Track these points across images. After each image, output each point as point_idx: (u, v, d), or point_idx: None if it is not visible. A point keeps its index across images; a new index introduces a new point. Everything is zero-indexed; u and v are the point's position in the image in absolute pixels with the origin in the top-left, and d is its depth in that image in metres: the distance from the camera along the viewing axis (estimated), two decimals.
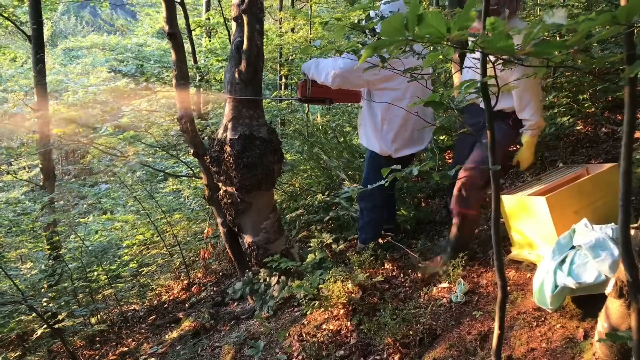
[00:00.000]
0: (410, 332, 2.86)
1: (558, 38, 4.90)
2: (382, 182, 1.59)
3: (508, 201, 3.21)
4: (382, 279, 3.49)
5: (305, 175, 5.74)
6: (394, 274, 3.67)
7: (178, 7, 6.26)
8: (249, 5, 3.54)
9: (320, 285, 3.41)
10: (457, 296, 3.07)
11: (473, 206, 3.39)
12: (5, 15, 6.94)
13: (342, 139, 5.64)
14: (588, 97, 4.96)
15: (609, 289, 1.92)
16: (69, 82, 11.80)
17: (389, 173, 1.53)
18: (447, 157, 5.68)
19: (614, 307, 1.90)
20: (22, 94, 11.29)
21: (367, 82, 3.66)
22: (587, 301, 2.51)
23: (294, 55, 8.86)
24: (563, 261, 2.56)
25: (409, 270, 3.64)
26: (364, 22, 3.40)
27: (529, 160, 3.35)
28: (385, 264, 3.79)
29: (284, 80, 9.36)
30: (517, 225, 3.22)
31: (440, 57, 1.36)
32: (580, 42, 0.96)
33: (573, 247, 2.60)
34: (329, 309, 3.34)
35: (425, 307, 3.07)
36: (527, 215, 3.11)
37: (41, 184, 6.37)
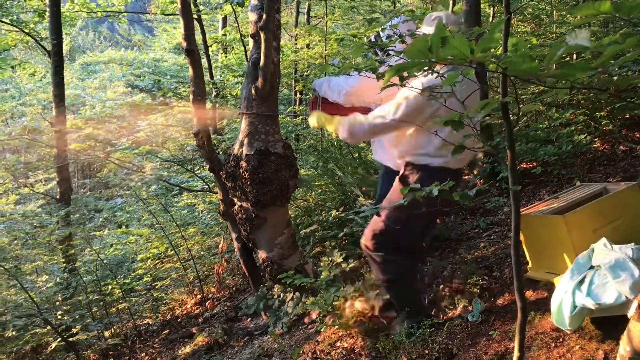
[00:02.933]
0: (426, 352, 2.83)
1: (575, 57, 4.89)
2: (401, 201, 1.59)
3: (525, 220, 3.18)
4: None
5: (319, 191, 5.74)
6: None
7: (195, 23, 6.34)
8: (267, 22, 3.58)
9: (335, 303, 3.39)
10: (474, 315, 3.03)
11: (396, 272, 3.10)
12: (26, 31, 7.06)
13: (356, 155, 5.64)
14: (605, 114, 4.93)
15: (631, 312, 1.89)
16: (86, 97, 11.95)
17: (408, 192, 1.52)
18: None
19: (636, 331, 1.86)
20: (41, 108, 11.45)
21: (381, 98, 3.66)
22: (607, 322, 2.47)
23: (309, 71, 8.91)
24: (582, 281, 2.52)
25: (424, 288, 3.61)
26: (373, 38, 3.42)
27: (313, 122, 3.28)
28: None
29: (298, 95, 9.41)
30: (535, 244, 3.18)
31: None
32: (605, 64, 0.95)
33: (592, 267, 2.57)
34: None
35: (441, 326, 3.03)
36: (545, 234, 3.08)
37: (57, 197, 6.43)
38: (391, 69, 1.07)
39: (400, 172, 3.13)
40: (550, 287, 2.99)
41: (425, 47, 0.96)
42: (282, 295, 3.98)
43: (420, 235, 3.29)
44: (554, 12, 7.03)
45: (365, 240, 3.17)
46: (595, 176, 4.56)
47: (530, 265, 3.26)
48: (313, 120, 3.30)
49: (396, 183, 3.14)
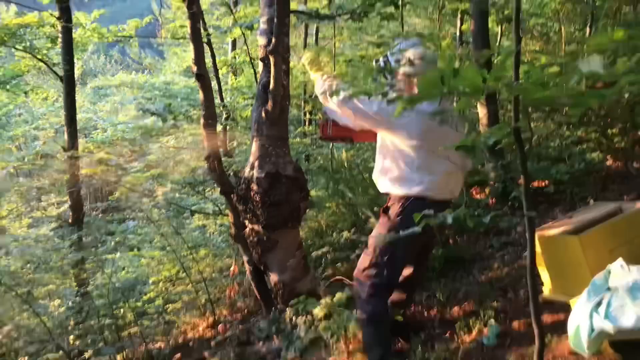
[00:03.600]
0: None
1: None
2: (416, 229, 1.58)
3: (539, 240, 3.14)
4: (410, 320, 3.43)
5: (330, 212, 5.72)
6: (423, 315, 3.60)
7: (205, 46, 6.40)
8: (276, 46, 3.60)
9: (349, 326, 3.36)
10: (489, 339, 2.99)
11: (373, 313, 3.04)
12: (39, 57, 7.16)
13: (367, 175, 5.63)
14: (617, 131, 4.90)
15: None
16: (98, 120, 12.07)
17: (421, 219, 1.51)
18: (473, 192, 5.62)
19: None
20: (53, 132, 11.57)
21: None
22: (627, 346, 2.42)
23: None
24: (599, 303, 2.48)
25: (438, 311, 3.57)
26: (381, 62, 3.42)
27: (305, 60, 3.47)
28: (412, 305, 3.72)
29: (308, 116, 9.44)
30: (549, 264, 3.14)
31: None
32: (620, 93, 0.94)
33: (609, 289, 2.52)
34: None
35: (456, 350, 2.99)
36: (559, 255, 3.04)
37: (70, 220, 6.46)
38: (404, 100, 1.06)
39: (385, 204, 3.12)
40: (566, 309, 2.95)
41: (437, 79, 0.96)
42: (294, 318, 3.95)
43: (412, 265, 3.26)
44: (563, 30, 7.04)
45: (357, 272, 3.13)
46: (609, 194, 4.52)
47: (545, 286, 3.21)
48: (305, 60, 3.46)
49: (381, 215, 3.14)
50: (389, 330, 3.12)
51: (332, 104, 3.21)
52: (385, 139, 3.12)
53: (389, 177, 3.05)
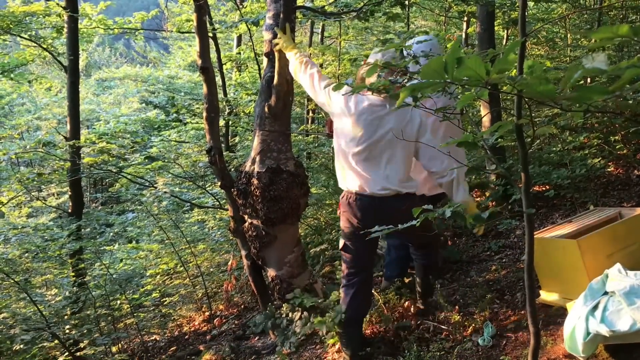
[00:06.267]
0: None
1: (589, 80, 4.88)
2: (413, 222, 1.57)
3: (538, 243, 3.13)
4: (406, 319, 3.43)
5: (330, 210, 5.72)
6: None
7: (210, 41, 6.41)
8: None
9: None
10: (485, 339, 2.99)
11: (348, 310, 3.19)
12: (44, 46, 7.16)
13: None
14: (620, 138, 4.90)
15: None
16: (101, 112, 12.09)
17: (420, 213, 1.51)
18: (473, 195, 5.62)
19: None
20: (55, 122, 11.58)
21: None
22: (621, 350, 2.42)
23: None
24: (595, 307, 2.48)
25: (434, 310, 3.56)
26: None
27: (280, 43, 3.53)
28: (409, 304, 3.71)
29: (311, 114, 9.44)
30: (547, 267, 3.14)
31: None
32: (622, 87, 0.94)
33: (606, 293, 2.53)
34: None
35: (451, 350, 2.99)
36: (558, 258, 3.04)
37: (69, 211, 6.46)
38: (405, 88, 1.06)
39: None
40: (562, 312, 2.95)
41: (441, 67, 0.95)
42: (290, 314, 3.95)
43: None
44: (568, 35, 7.04)
45: None
46: (609, 201, 4.52)
47: (542, 289, 3.21)
48: (280, 42, 3.54)
49: None
50: (356, 333, 3.19)
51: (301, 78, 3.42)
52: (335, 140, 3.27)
53: (338, 175, 3.23)
